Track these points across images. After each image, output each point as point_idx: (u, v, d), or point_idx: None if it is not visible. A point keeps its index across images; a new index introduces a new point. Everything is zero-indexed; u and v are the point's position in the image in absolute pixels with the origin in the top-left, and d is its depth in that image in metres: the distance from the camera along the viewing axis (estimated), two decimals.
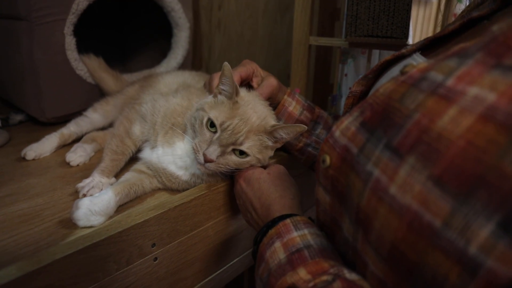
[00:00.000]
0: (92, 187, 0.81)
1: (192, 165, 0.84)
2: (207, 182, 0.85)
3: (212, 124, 0.78)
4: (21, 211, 0.77)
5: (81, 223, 0.70)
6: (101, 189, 0.81)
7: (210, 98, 0.83)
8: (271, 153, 0.84)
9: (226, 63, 0.78)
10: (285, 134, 0.80)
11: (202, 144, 0.78)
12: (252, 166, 0.81)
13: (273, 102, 0.95)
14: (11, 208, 0.78)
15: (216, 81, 0.90)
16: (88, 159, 1.03)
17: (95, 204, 0.72)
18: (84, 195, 0.78)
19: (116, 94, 1.18)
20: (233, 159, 0.78)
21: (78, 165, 1.00)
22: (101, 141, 1.10)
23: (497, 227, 0.32)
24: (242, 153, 0.78)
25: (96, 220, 0.71)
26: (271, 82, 0.92)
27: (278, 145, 0.83)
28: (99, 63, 1.30)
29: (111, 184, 0.83)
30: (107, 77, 1.29)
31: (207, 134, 0.78)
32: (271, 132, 0.79)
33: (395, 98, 0.45)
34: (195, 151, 0.78)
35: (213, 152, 0.75)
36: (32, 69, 1.15)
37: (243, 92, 0.84)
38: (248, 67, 0.92)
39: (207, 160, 0.75)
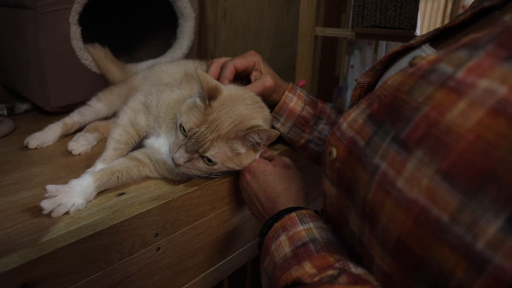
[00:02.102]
0: None
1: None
2: None
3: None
4: (25, 200, 0.77)
5: (61, 209, 0.72)
6: None
7: (190, 100, 0.81)
8: (253, 156, 0.80)
9: (196, 66, 0.76)
10: (258, 139, 0.75)
11: (175, 146, 0.78)
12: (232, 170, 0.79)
13: (269, 101, 0.93)
14: (15, 196, 0.79)
15: (213, 69, 0.89)
16: (90, 148, 1.04)
17: (72, 188, 0.74)
18: None
19: (120, 84, 1.18)
20: (201, 165, 0.76)
21: (79, 154, 1.00)
22: (104, 130, 1.11)
23: (506, 223, 0.31)
24: (210, 160, 0.75)
25: (71, 203, 0.73)
26: (265, 82, 0.89)
27: (260, 148, 0.80)
28: (104, 53, 1.29)
29: None
30: (113, 68, 1.29)
31: (180, 137, 0.78)
32: (244, 137, 0.75)
33: (403, 90, 0.45)
34: (170, 151, 0.79)
35: (180, 157, 0.75)
36: (37, 58, 1.14)
37: (228, 90, 0.81)
38: (249, 59, 0.91)
39: (175, 164, 0.76)
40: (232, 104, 0.77)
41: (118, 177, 0.83)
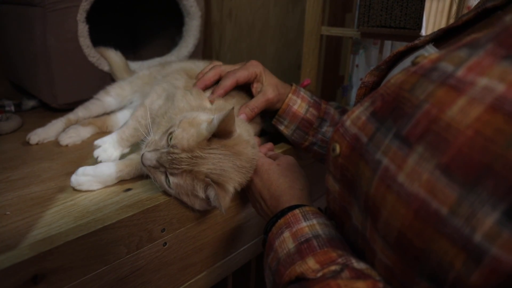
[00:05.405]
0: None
1: None
2: None
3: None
4: (33, 194, 0.79)
5: (84, 187, 0.80)
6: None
7: (196, 115, 0.76)
8: (205, 207, 0.76)
9: (233, 107, 0.69)
10: (212, 199, 0.70)
11: (152, 145, 0.75)
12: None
13: (273, 110, 0.94)
14: (24, 191, 0.80)
15: (210, 75, 0.89)
16: (79, 141, 1.06)
17: (97, 175, 0.81)
18: None
19: (131, 80, 1.19)
20: (161, 180, 0.73)
21: (67, 145, 1.03)
22: (100, 124, 1.13)
23: (502, 216, 0.32)
24: (169, 184, 0.72)
25: (96, 187, 0.81)
26: (267, 95, 0.89)
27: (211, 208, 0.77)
28: (124, 64, 1.31)
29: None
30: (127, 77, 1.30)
31: (162, 142, 0.74)
32: (207, 186, 0.71)
33: (405, 89, 0.46)
34: (145, 145, 0.76)
35: (149, 159, 0.72)
36: (45, 55, 1.16)
37: (238, 136, 0.75)
38: (251, 71, 0.90)
39: (142, 160, 0.73)
40: (225, 154, 0.72)
41: (136, 171, 0.86)
